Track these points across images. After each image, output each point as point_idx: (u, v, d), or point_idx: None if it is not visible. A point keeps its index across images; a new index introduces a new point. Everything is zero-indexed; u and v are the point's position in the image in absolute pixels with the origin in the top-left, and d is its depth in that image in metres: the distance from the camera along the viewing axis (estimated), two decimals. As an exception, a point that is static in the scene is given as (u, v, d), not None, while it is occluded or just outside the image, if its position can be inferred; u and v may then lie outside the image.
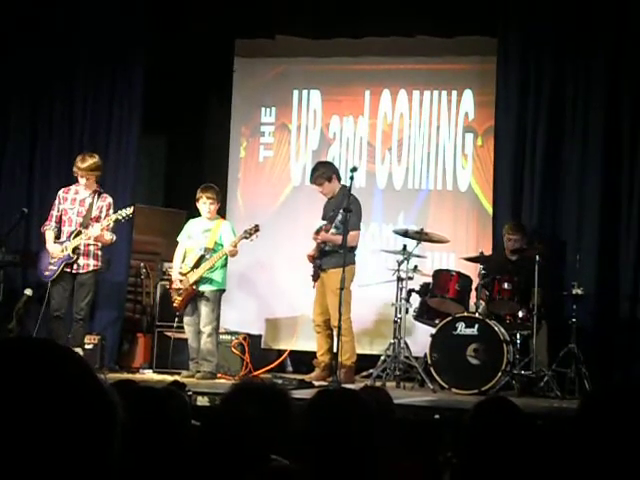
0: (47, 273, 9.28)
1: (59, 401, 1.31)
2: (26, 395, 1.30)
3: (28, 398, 1.30)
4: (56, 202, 9.46)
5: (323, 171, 9.82)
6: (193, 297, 9.62)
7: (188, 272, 9.60)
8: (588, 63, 9.79)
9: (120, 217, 9.20)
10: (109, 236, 9.28)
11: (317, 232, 9.66)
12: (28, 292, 9.61)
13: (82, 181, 9.33)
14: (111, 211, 9.29)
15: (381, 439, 3.01)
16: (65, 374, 1.34)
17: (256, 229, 9.47)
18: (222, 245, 9.59)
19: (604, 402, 2.93)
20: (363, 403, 3.05)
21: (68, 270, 9.25)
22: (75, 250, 9.23)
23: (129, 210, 9.24)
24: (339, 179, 9.77)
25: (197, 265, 9.59)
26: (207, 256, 9.58)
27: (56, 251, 9.26)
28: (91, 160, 9.34)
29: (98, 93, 10.91)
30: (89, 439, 1.33)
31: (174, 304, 9.71)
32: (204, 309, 9.56)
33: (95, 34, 10.85)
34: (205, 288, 9.59)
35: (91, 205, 9.34)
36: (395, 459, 3.31)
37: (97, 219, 9.27)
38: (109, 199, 9.39)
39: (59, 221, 9.40)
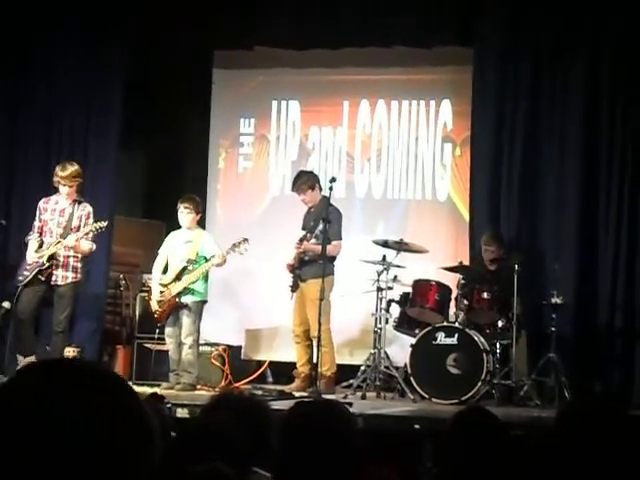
0: (20, 278, 9.28)
1: (101, 427, 1.30)
2: (67, 420, 1.29)
3: (71, 424, 1.29)
4: (37, 213, 9.45)
5: (305, 179, 9.83)
6: (175, 308, 9.60)
7: (169, 283, 9.57)
8: (565, 72, 9.83)
9: (94, 229, 9.17)
10: (87, 245, 9.26)
11: (300, 241, 9.66)
12: (6, 305, 9.56)
13: (63, 190, 9.31)
14: (90, 220, 9.27)
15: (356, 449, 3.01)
16: (103, 394, 1.33)
17: (245, 241, 9.45)
18: (204, 256, 9.58)
19: (582, 411, 2.94)
20: (340, 414, 3.05)
21: (42, 278, 9.21)
22: (50, 258, 9.19)
23: (103, 223, 9.21)
24: (320, 189, 9.78)
25: (179, 276, 9.57)
26: (189, 267, 9.57)
27: (33, 258, 9.25)
28: (71, 168, 9.34)
29: (76, 105, 10.88)
30: (125, 458, 1.32)
31: (155, 315, 9.68)
32: (186, 320, 9.54)
33: (73, 46, 10.84)
34: (187, 299, 9.57)
35: (71, 215, 9.32)
36: (373, 469, 3.31)
37: (78, 228, 9.26)
38: (89, 208, 9.37)
39: (41, 232, 9.38)
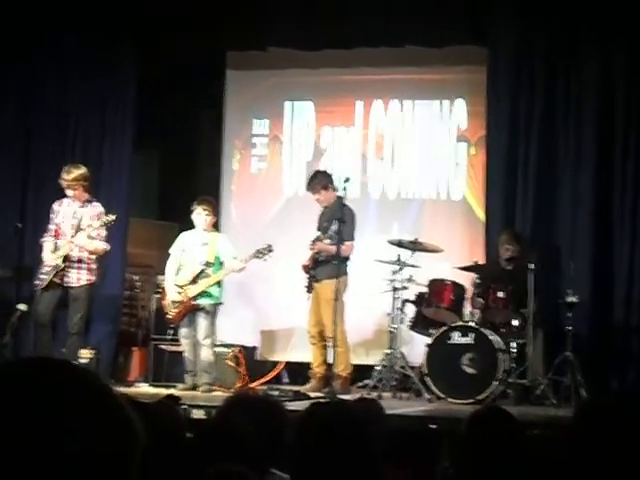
0: (37, 282, 9.31)
1: (82, 426, 1.29)
2: (45, 418, 1.28)
3: (46, 421, 1.28)
4: (51, 216, 9.48)
5: (320, 179, 9.84)
6: (190, 310, 9.60)
7: (185, 285, 9.58)
8: (579, 70, 9.81)
9: (103, 223, 9.19)
10: (101, 245, 9.28)
11: (313, 242, 9.66)
12: (22, 307, 9.59)
13: (70, 192, 9.35)
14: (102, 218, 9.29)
15: (373, 450, 3.00)
16: (85, 395, 1.32)
17: (269, 249, 9.45)
18: (220, 259, 9.59)
19: (599, 410, 2.93)
20: (354, 415, 3.04)
21: (58, 281, 9.23)
22: (65, 260, 9.22)
23: (111, 217, 9.22)
24: (335, 189, 9.77)
25: (195, 279, 9.57)
26: (207, 270, 9.56)
27: (48, 260, 9.27)
28: (76, 171, 9.36)
29: (91, 107, 10.92)
30: (110, 462, 1.31)
31: (168, 316, 9.69)
32: (203, 322, 9.55)
33: (87, 48, 10.86)
34: (203, 302, 9.57)
35: (82, 216, 9.34)
36: (390, 470, 3.30)
37: (88, 228, 9.27)
38: (100, 208, 9.38)
39: (56, 234, 9.41)
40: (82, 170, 9.40)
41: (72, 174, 9.33)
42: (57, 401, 1.30)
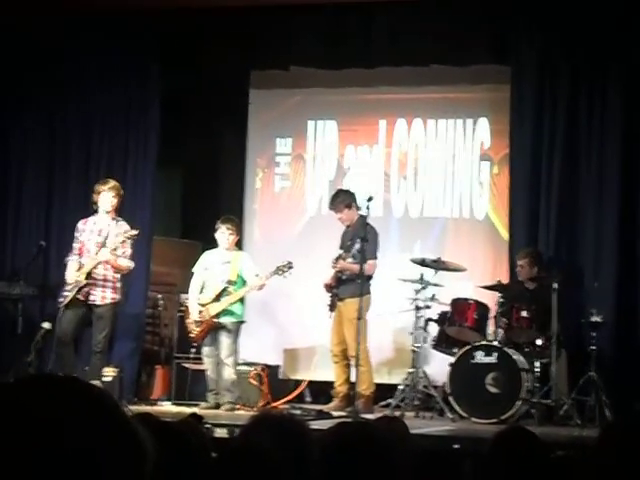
0: (60, 299, 9.34)
1: (87, 440, 1.30)
2: (53, 434, 1.29)
3: (55, 437, 1.29)
4: (76, 234, 9.51)
5: (343, 198, 9.85)
6: (213, 329, 9.61)
7: (208, 303, 9.60)
8: (603, 88, 9.79)
9: (126, 238, 9.21)
10: (125, 263, 9.30)
11: (336, 260, 9.66)
12: (46, 325, 9.62)
13: (104, 202, 9.32)
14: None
15: (398, 470, 2.99)
16: (92, 412, 1.33)
17: (289, 266, 9.47)
18: (243, 278, 9.61)
19: (625, 431, 2.91)
20: (380, 436, 3.03)
21: (81, 298, 9.25)
22: (88, 277, 9.24)
23: (134, 231, 9.25)
24: (357, 208, 9.78)
25: (218, 297, 9.59)
26: (229, 288, 9.58)
27: (72, 278, 9.31)
28: (112, 182, 9.46)
29: (115, 126, 10.97)
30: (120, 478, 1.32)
31: (191, 335, 9.71)
32: (226, 340, 9.56)
33: (111, 68, 10.93)
34: (226, 320, 9.59)
35: (108, 234, 9.37)
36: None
37: (115, 248, 9.30)
38: (125, 226, 9.41)
39: (80, 253, 9.44)
40: (116, 183, 9.48)
41: (108, 183, 9.40)
42: (62, 418, 1.30)
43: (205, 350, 9.69)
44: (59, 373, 9.24)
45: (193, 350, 9.89)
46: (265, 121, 11.73)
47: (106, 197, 9.36)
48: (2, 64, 10.99)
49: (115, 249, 9.18)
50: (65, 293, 9.32)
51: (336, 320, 9.74)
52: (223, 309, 9.55)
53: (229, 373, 9.52)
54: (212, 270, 9.71)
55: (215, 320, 9.56)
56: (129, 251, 9.28)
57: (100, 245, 9.33)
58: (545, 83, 9.97)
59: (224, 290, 9.58)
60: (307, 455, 3.17)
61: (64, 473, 1.27)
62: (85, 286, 9.23)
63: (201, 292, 9.75)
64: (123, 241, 9.20)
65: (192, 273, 9.89)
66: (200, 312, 9.62)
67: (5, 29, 10.79)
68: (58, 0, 10.22)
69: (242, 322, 9.74)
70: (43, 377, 1.38)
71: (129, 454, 1.33)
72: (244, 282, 9.63)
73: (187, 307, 9.88)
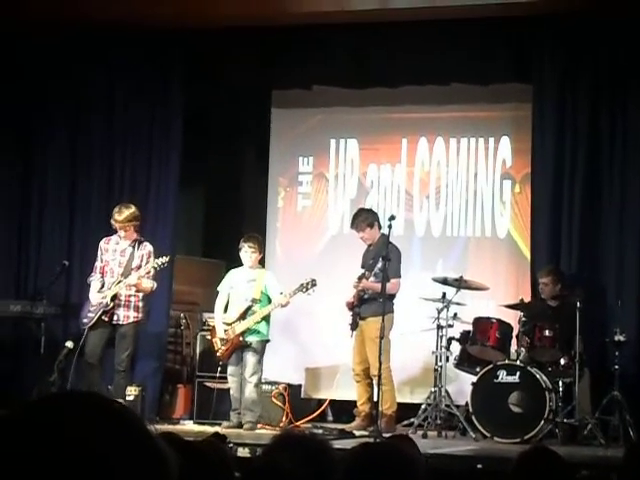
0: (85, 320, 9.36)
1: (111, 456, 1.31)
2: (76, 451, 1.30)
3: (78, 454, 1.30)
4: (98, 254, 9.54)
5: (365, 217, 9.85)
6: (238, 347, 9.61)
7: (233, 322, 9.60)
8: (624, 106, 9.77)
9: (156, 265, 9.25)
10: (149, 284, 9.33)
11: (359, 279, 9.66)
12: (69, 344, 9.63)
13: (121, 233, 9.42)
14: (151, 259, 9.35)
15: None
16: (116, 428, 1.34)
17: (313, 284, 9.47)
18: (267, 295, 9.62)
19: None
20: (404, 456, 3.02)
21: (106, 319, 9.29)
22: (114, 298, 9.28)
23: (164, 259, 9.29)
24: (379, 227, 9.78)
25: (243, 316, 9.60)
26: (254, 307, 9.59)
27: (96, 299, 9.34)
28: (127, 211, 9.42)
29: (137, 144, 11.01)
30: None
31: (217, 354, 9.70)
32: (251, 359, 9.56)
33: (134, 85, 10.99)
34: (251, 339, 9.59)
35: (132, 255, 9.41)
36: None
37: (138, 268, 9.33)
38: (149, 247, 9.45)
39: (103, 272, 9.47)
40: (132, 209, 9.47)
41: (123, 214, 9.40)
42: (85, 434, 1.30)
43: (230, 369, 9.69)
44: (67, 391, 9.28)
45: (219, 369, 9.87)
46: (287, 140, 11.75)
47: (120, 231, 9.38)
48: (26, 80, 11.06)
49: (143, 274, 9.22)
50: (90, 314, 9.35)
51: (358, 339, 9.73)
52: (248, 327, 9.56)
53: (250, 392, 9.52)
54: (237, 289, 9.72)
55: (241, 339, 9.56)
56: (152, 271, 9.32)
57: (124, 266, 9.36)
58: (567, 102, 9.96)
59: (249, 309, 9.59)
60: (329, 474, 3.17)
61: None
62: (111, 308, 9.26)
63: (225, 311, 9.76)
64: (150, 269, 9.21)
65: (216, 292, 9.90)
66: (225, 331, 9.62)
67: (31, 44, 10.86)
68: (83, 17, 10.26)
69: (267, 341, 9.74)
70: (66, 394, 1.40)
71: (153, 470, 1.34)
72: (269, 300, 9.63)
73: (213, 326, 9.88)
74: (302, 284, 9.47)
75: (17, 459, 1.28)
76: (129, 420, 1.36)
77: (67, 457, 1.29)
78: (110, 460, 1.30)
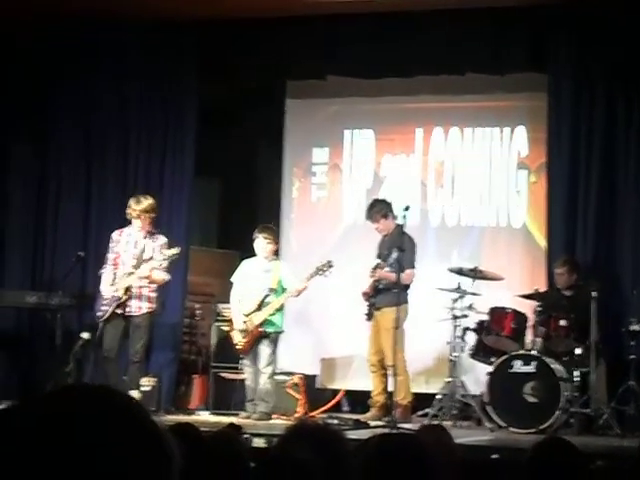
0: (99, 314, 9.38)
1: (117, 449, 1.31)
2: (83, 443, 1.31)
3: (85, 446, 1.30)
4: (111, 245, 9.55)
5: (380, 208, 9.83)
6: (258, 338, 9.62)
7: (251, 313, 9.60)
8: (641, 96, 9.75)
9: (167, 257, 9.25)
10: (161, 276, 9.34)
11: (374, 269, 9.66)
12: (85, 335, 9.67)
13: (136, 222, 9.41)
14: (164, 251, 9.35)
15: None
16: (122, 421, 1.35)
17: (330, 265, 9.47)
18: (282, 286, 9.62)
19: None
20: (423, 447, 3.02)
21: (120, 311, 9.31)
22: (127, 291, 9.29)
23: (175, 250, 9.28)
24: (394, 217, 9.77)
25: (260, 306, 9.60)
26: (270, 296, 9.60)
27: (109, 292, 9.35)
28: (146, 202, 9.43)
29: (152, 137, 11.02)
30: None
31: (238, 346, 9.69)
32: (265, 350, 9.57)
33: (148, 78, 11.01)
34: (267, 329, 9.60)
35: (144, 246, 9.41)
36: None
37: (151, 260, 9.33)
38: (162, 239, 9.45)
39: (115, 264, 9.48)
40: (151, 201, 9.48)
41: (141, 204, 9.40)
42: (96, 428, 1.32)
43: (246, 360, 9.71)
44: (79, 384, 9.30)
45: (241, 361, 9.87)
46: (302, 131, 11.74)
47: (136, 221, 9.39)
48: (40, 77, 11.08)
49: (155, 266, 9.22)
50: (103, 307, 9.36)
51: (373, 329, 9.73)
52: (265, 318, 9.56)
53: (264, 382, 9.53)
54: (252, 279, 9.72)
55: (260, 329, 9.57)
56: (165, 264, 9.32)
57: (137, 257, 9.37)
58: (583, 91, 9.93)
59: (265, 298, 9.59)
60: (344, 465, 3.17)
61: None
62: (124, 301, 9.28)
63: (240, 302, 9.76)
64: (162, 261, 9.23)
65: (231, 283, 9.91)
66: (244, 322, 9.62)
67: (46, 34, 10.88)
68: (95, 13, 10.29)
69: (281, 332, 9.75)
70: (76, 388, 1.41)
71: (158, 465, 1.35)
72: (283, 290, 9.64)
73: (230, 319, 9.88)
74: (318, 267, 9.47)
75: (26, 452, 1.29)
76: (137, 414, 1.37)
77: (76, 451, 1.30)
78: (118, 454, 1.31)
